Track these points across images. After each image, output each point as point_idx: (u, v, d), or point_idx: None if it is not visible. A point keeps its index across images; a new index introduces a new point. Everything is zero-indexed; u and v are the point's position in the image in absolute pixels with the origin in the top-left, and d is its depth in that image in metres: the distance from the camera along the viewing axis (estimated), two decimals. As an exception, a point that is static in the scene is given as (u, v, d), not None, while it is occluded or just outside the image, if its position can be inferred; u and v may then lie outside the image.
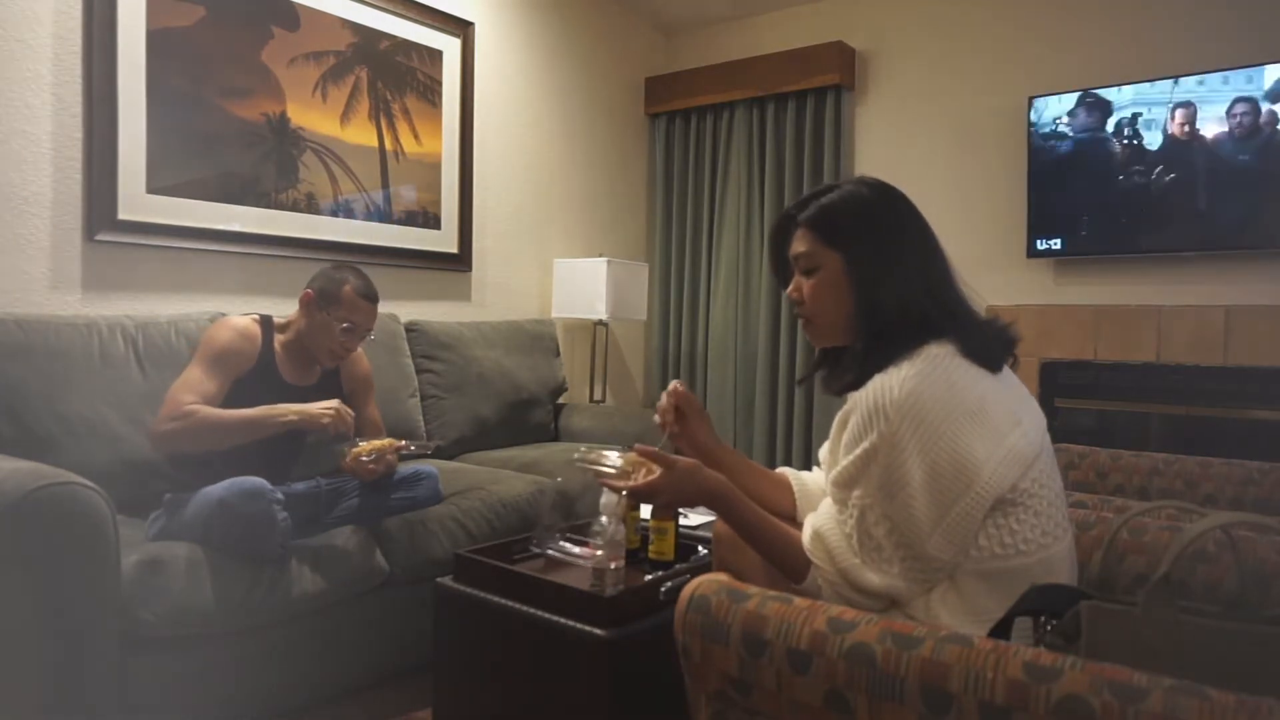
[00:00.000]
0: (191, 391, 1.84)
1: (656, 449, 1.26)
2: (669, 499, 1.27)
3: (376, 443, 1.96)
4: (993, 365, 1.13)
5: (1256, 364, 2.81)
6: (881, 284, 1.17)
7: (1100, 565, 1.16)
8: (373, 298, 2.06)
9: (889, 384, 1.08)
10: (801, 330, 3.68)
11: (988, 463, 1.05)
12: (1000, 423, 1.08)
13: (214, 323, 2.00)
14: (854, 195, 1.22)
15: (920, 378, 1.07)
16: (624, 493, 1.28)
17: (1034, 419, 1.15)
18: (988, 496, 1.06)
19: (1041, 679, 0.72)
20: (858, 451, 1.09)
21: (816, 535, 1.14)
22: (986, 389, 1.10)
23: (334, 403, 1.90)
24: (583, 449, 1.44)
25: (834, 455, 1.20)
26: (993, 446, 1.06)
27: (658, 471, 1.24)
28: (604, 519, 1.53)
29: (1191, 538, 0.89)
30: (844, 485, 1.12)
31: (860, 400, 1.11)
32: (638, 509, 1.80)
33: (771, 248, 1.32)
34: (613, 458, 1.34)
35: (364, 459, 1.92)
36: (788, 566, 1.17)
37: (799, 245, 1.23)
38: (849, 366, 1.21)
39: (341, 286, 2.01)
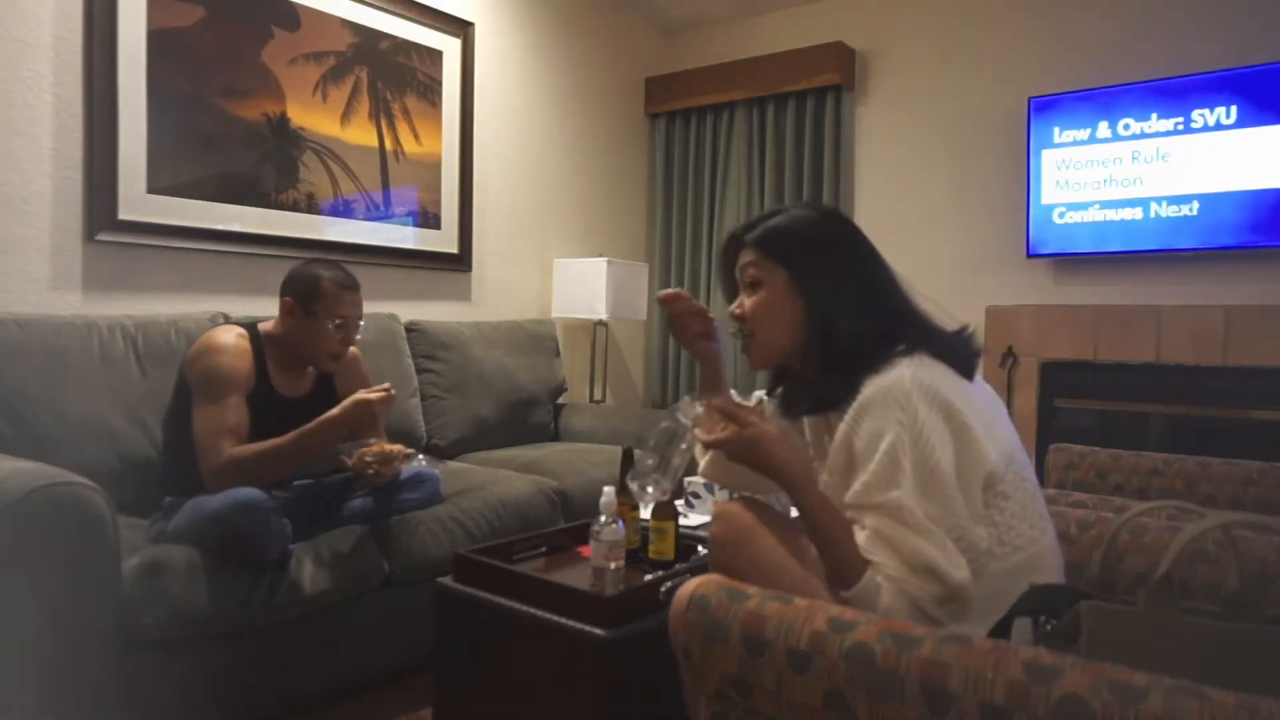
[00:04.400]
0: (222, 435, 1.80)
1: (729, 403, 1.20)
2: (732, 456, 1.21)
3: (387, 446, 1.94)
4: (963, 372, 1.14)
5: (1256, 364, 2.80)
6: (830, 299, 1.19)
7: (1100, 565, 1.16)
8: (352, 285, 2.01)
9: (892, 378, 1.08)
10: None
11: (985, 444, 1.08)
12: (983, 411, 1.12)
13: (204, 346, 1.89)
14: (799, 217, 1.25)
15: (916, 365, 1.09)
16: (688, 441, 1.24)
17: (1002, 411, 1.18)
18: (989, 478, 1.08)
19: (1041, 679, 0.72)
20: (881, 452, 1.07)
21: (876, 533, 1.08)
22: (963, 382, 1.13)
23: (361, 395, 1.85)
24: (686, 398, 1.38)
25: (840, 474, 1.16)
26: (985, 434, 1.09)
27: (731, 429, 1.18)
28: (604, 519, 1.52)
29: (1191, 537, 0.89)
30: (875, 490, 1.07)
31: (868, 402, 1.09)
32: (637, 509, 1.79)
33: (719, 268, 1.33)
34: (692, 410, 1.27)
35: (368, 460, 1.90)
36: (843, 567, 1.10)
37: (744, 258, 1.25)
38: (821, 384, 1.20)
39: (318, 283, 1.95)
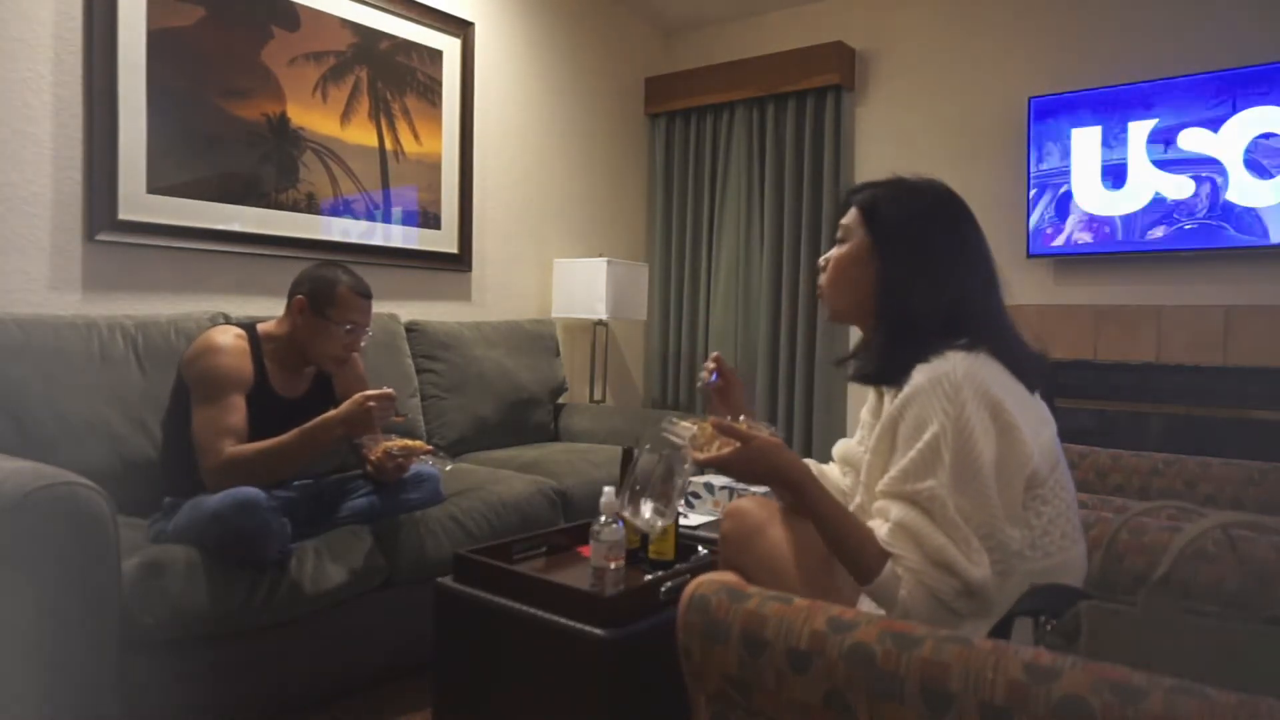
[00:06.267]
0: (221, 434, 1.81)
1: (732, 423, 1.19)
2: (739, 475, 1.20)
3: (409, 442, 1.95)
4: (1025, 381, 1.14)
5: (1256, 364, 2.80)
6: (901, 281, 1.18)
7: (1100, 565, 1.16)
8: (367, 293, 2.04)
9: (944, 369, 1.07)
10: (804, 323, 3.74)
11: (1030, 445, 1.07)
12: (1034, 416, 1.11)
13: (202, 347, 1.90)
14: (909, 192, 1.24)
15: (971, 360, 1.08)
16: (689, 461, 1.24)
17: (1052, 426, 1.17)
18: (1031, 479, 1.08)
19: (1041, 679, 0.72)
20: (923, 441, 1.06)
21: (899, 525, 1.07)
22: (1019, 387, 1.12)
23: (361, 396, 1.86)
24: (673, 418, 1.37)
25: (883, 457, 1.16)
26: (1032, 437, 1.08)
27: (733, 445, 1.17)
28: (603, 518, 1.52)
29: (1191, 538, 0.89)
30: (911, 477, 1.07)
31: (917, 390, 1.09)
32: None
33: (836, 217, 1.36)
34: (688, 429, 1.26)
35: (395, 453, 1.91)
36: (860, 562, 1.09)
37: (844, 218, 1.27)
38: (877, 358, 1.21)
39: (335, 287, 1.97)
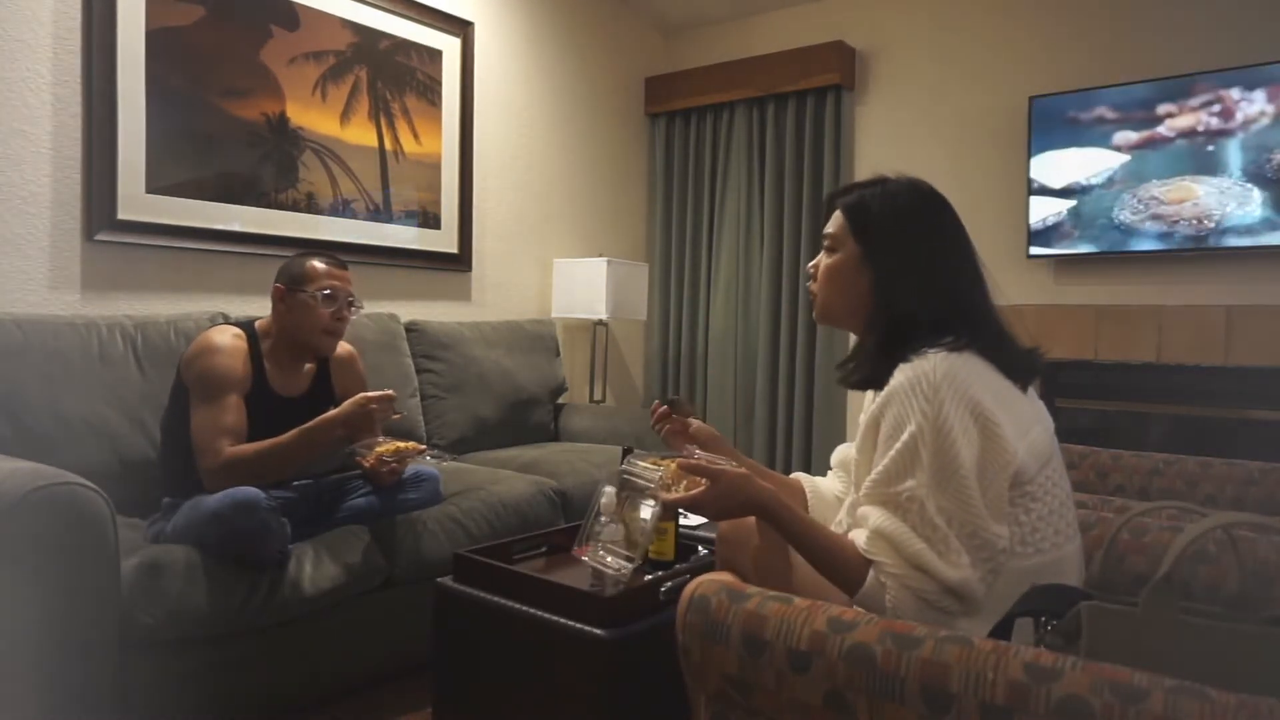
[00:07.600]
0: (219, 435, 1.82)
1: (698, 461, 1.20)
2: (713, 514, 1.21)
3: (400, 444, 1.95)
4: (1014, 379, 1.13)
5: (1257, 364, 2.80)
6: (895, 287, 1.18)
7: (1100, 565, 1.16)
8: (340, 264, 2.06)
9: (923, 368, 1.07)
10: (804, 324, 3.74)
11: (1017, 445, 1.07)
12: (1022, 415, 1.10)
13: (200, 347, 1.90)
14: (895, 195, 1.23)
15: (953, 359, 1.07)
16: (660, 504, 1.24)
17: (1046, 423, 1.17)
18: (1016, 476, 1.07)
19: (1042, 679, 0.72)
20: (901, 441, 1.06)
21: (876, 532, 1.07)
22: (1007, 385, 1.12)
23: (361, 397, 1.87)
24: (633, 456, 1.37)
25: (864, 454, 1.16)
26: (1017, 435, 1.07)
27: (702, 484, 1.17)
28: (604, 519, 1.52)
29: (1192, 538, 0.89)
30: (893, 479, 1.07)
31: (895, 390, 1.08)
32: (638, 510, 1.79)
33: (823, 218, 1.36)
34: (652, 470, 1.27)
35: (387, 459, 1.91)
36: (844, 575, 1.09)
37: (830, 225, 1.27)
38: (864, 361, 1.21)
39: (304, 264, 2.01)
